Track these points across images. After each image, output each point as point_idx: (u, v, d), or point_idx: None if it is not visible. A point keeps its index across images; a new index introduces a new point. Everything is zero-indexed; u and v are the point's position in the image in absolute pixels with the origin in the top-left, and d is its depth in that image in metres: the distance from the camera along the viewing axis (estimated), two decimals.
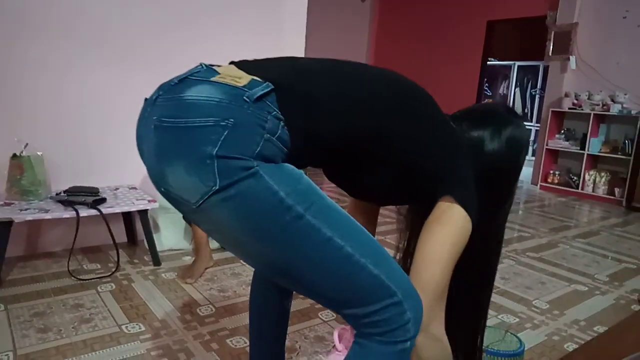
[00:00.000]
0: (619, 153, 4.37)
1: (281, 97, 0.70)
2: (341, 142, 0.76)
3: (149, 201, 2.01)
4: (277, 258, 0.68)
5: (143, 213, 2.00)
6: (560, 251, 2.71)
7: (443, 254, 0.78)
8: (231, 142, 0.63)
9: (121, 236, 2.29)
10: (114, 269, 1.96)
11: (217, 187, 0.62)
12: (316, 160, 0.83)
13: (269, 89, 0.68)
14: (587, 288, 2.14)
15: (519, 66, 7.19)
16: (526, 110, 7.12)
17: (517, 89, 7.22)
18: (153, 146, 0.69)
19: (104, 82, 2.17)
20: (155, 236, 2.12)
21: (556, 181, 4.84)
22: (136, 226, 2.28)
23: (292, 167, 0.70)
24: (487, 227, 0.91)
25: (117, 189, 2.19)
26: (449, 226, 0.79)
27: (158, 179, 0.70)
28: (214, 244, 2.18)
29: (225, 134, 0.63)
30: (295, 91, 0.72)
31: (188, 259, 2.13)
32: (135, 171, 2.31)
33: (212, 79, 0.70)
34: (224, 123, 0.64)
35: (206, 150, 0.62)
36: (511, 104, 7.05)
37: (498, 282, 2.08)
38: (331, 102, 0.74)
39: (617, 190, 4.36)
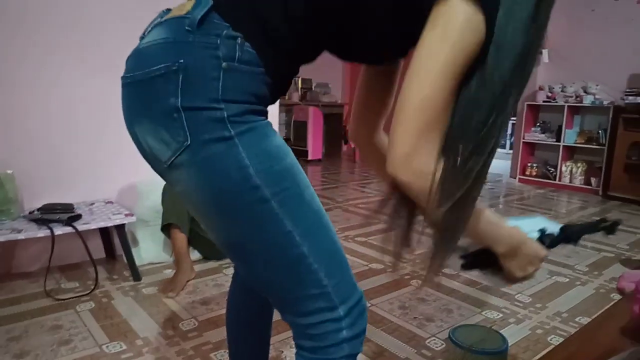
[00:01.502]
0: (594, 143, 4.46)
1: (225, 7, 0.60)
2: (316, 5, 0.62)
3: (126, 215, 1.97)
4: (231, 237, 0.63)
5: (120, 227, 1.96)
6: None
7: (434, 60, 0.56)
8: (190, 87, 0.57)
9: (99, 252, 2.24)
10: (92, 287, 1.92)
11: (189, 142, 0.58)
12: (307, 48, 0.67)
13: (209, 5, 0.59)
14: (568, 279, 2.18)
15: None
16: None
17: None
18: (124, 108, 0.64)
19: (74, 96, 2.12)
20: (134, 250, 2.09)
21: (534, 173, 4.92)
22: (114, 241, 2.23)
23: (280, 141, 0.63)
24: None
25: (92, 204, 2.14)
26: (443, 24, 0.56)
27: (134, 141, 0.65)
28: (195, 255, 2.15)
29: (180, 79, 0.57)
30: None
31: (169, 272, 2.10)
32: (112, 184, 2.27)
33: (164, 17, 0.63)
34: (175, 67, 0.57)
35: (169, 102, 0.57)
36: None
37: (480, 278, 2.10)
38: None
39: (593, 179, 4.46)
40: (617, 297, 1.99)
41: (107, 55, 2.16)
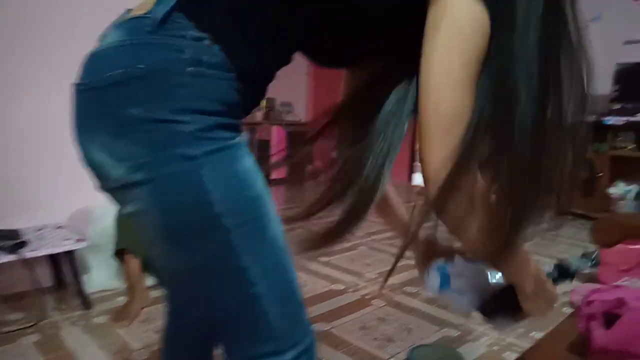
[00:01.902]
0: None
1: (190, 6, 0.53)
2: None
3: (77, 240, 1.89)
4: (181, 266, 0.57)
5: (70, 254, 1.88)
6: None
7: (448, 72, 0.52)
8: (151, 96, 0.50)
9: (48, 280, 2.13)
10: (39, 318, 1.81)
11: (147, 160, 0.51)
12: (283, 47, 0.61)
13: (172, 3, 0.52)
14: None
15: None
16: None
17: None
18: (73, 117, 0.57)
19: (19, 114, 2.04)
20: (85, 277, 2.00)
21: None
22: (64, 268, 2.13)
23: (251, 165, 0.57)
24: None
25: (41, 229, 2.04)
26: (447, 27, 0.52)
27: (82, 155, 0.58)
28: (149, 281, 2.08)
29: (141, 86, 0.50)
30: None
31: (122, 300, 2.01)
32: (62, 208, 2.17)
33: (124, 18, 0.57)
34: (134, 73, 0.50)
35: (127, 112, 0.51)
36: None
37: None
38: None
39: None
40: (569, 310, 2.05)
41: (57, 75, 2.10)
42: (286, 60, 0.63)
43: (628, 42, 3.84)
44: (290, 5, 0.57)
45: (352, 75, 0.81)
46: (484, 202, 0.57)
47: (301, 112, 6.65)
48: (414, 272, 2.68)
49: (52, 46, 2.08)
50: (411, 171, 5.81)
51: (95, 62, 0.55)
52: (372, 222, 3.59)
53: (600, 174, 3.55)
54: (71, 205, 2.19)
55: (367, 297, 2.11)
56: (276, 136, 5.71)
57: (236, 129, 0.58)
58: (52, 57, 2.08)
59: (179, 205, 0.53)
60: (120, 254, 1.97)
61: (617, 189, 3.54)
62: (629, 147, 3.57)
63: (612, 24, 3.77)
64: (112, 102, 0.52)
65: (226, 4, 0.55)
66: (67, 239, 1.90)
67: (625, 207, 3.52)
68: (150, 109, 0.51)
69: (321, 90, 6.72)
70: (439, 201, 0.55)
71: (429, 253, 0.87)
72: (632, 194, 3.54)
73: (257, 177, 0.58)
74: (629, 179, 3.57)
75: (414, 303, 2.05)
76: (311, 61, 0.68)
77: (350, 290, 2.19)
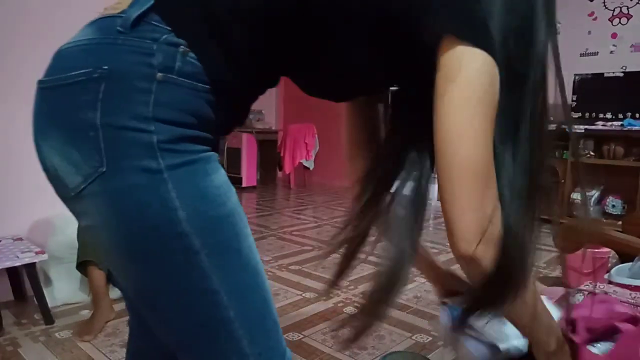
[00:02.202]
0: None
1: (168, 8, 0.50)
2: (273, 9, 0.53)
3: (37, 253, 1.81)
4: (143, 286, 0.53)
5: (30, 267, 1.80)
6: None
7: (470, 119, 0.49)
8: (113, 100, 0.47)
9: (6, 294, 2.04)
10: None
11: (104, 169, 0.47)
12: (268, 67, 0.58)
13: (148, 4, 0.49)
14: None
15: None
16: None
17: None
18: (33, 116, 0.53)
19: None
20: (46, 290, 1.91)
21: None
22: (24, 281, 2.04)
23: (222, 181, 0.53)
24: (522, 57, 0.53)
25: None
26: (464, 78, 0.49)
27: (39, 157, 0.54)
28: (115, 293, 2.01)
29: (102, 89, 0.47)
30: None
31: (86, 313, 1.94)
32: (22, 219, 2.08)
33: (98, 15, 0.53)
34: (96, 74, 0.47)
35: (86, 116, 0.47)
36: None
37: (410, 302, 2.14)
38: None
39: None
40: None
41: (14, 78, 2.02)
42: (270, 82, 0.60)
43: (584, 55, 4.03)
44: (267, 31, 0.54)
45: (354, 109, 0.78)
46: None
47: (271, 119, 6.63)
48: None
49: (22, 55, 2.01)
50: None
51: (59, 60, 0.52)
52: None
53: (563, 181, 3.68)
54: (31, 215, 2.10)
55: (339, 304, 2.11)
56: (247, 144, 5.67)
57: (206, 143, 0.54)
58: (22, 66, 2.01)
59: (140, 221, 0.49)
60: (84, 265, 1.90)
61: (579, 195, 3.67)
62: (589, 154, 3.71)
63: (570, 37, 3.94)
64: (69, 103, 0.49)
65: (203, 11, 0.51)
66: (27, 251, 1.82)
67: (589, 212, 3.65)
68: (109, 114, 0.47)
69: (291, 99, 6.73)
70: (478, 258, 0.52)
71: (448, 288, 0.83)
72: (592, 200, 3.67)
73: (229, 193, 0.54)
74: (589, 185, 3.70)
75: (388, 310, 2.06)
76: (299, 87, 0.65)
77: (323, 298, 2.17)
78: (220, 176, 0.54)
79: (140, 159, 0.48)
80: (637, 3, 3.86)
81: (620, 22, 3.92)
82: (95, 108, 0.47)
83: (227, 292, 0.53)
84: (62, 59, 0.52)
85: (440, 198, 0.52)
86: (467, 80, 0.49)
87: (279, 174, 6.29)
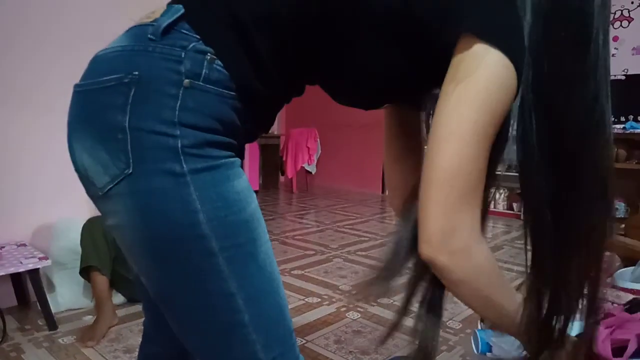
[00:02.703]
0: (514, 171, 4.77)
1: (197, 17, 0.52)
2: (298, 16, 0.54)
3: (40, 258, 1.82)
4: (163, 287, 0.55)
5: (33, 272, 1.80)
6: None
7: (461, 122, 0.47)
8: (142, 104, 0.49)
9: (10, 300, 2.04)
10: (0, 340, 1.73)
11: (131, 171, 0.49)
12: (291, 79, 0.59)
13: (179, 13, 0.51)
14: None
15: None
16: None
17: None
18: (68, 119, 0.56)
19: None
20: (49, 296, 1.91)
21: None
22: (27, 287, 2.04)
23: (243, 186, 0.54)
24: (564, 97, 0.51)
25: (2, 247, 1.95)
26: (469, 79, 0.47)
27: (71, 157, 0.56)
28: (117, 299, 2.02)
29: (132, 94, 0.49)
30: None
31: (89, 319, 1.94)
32: (25, 225, 2.09)
33: (135, 24, 0.55)
34: (127, 79, 0.49)
35: (116, 119, 0.49)
36: None
37: (413, 306, 2.13)
38: None
39: (515, 204, 4.74)
40: None
41: (13, 82, 2.03)
42: (296, 90, 0.62)
43: None
44: (293, 39, 0.55)
45: (393, 118, 0.76)
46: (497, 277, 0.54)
47: (274, 124, 6.66)
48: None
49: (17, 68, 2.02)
50: (384, 182, 5.87)
51: (95, 65, 0.55)
52: (346, 233, 3.60)
53: None
54: (34, 221, 2.11)
55: (342, 309, 2.10)
56: (249, 148, 5.68)
57: (231, 149, 0.56)
58: (21, 70, 2.02)
59: (163, 221, 0.51)
60: (86, 271, 1.90)
61: None
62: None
63: None
64: (100, 106, 0.51)
65: (231, 20, 0.53)
66: (30, 257, 1.83)
67: None
68: (138, 117, 0.49)
69: (293, 103, 6.72)
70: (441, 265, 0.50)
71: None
72: None
73: (249, 199, 0.55)
74: None
75: (389, 314, 2.06)
76: (330, 95, 0.65)
77: (326, 303, 2.17)
78: (242, 182, 0.55)
79: (164, 162, 0.50)
80: (638, 6, 3.87)
81: (621, 25, 3.92)
82: (125, 111, 0.49)
83: (242, 296, 0.54)
84: (97, 64, 0.55)
85: (419, 195, 0.52)
86: (474, 80, 0.47)
87: (281, 178, 6.30)
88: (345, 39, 0.56)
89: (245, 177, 0.56)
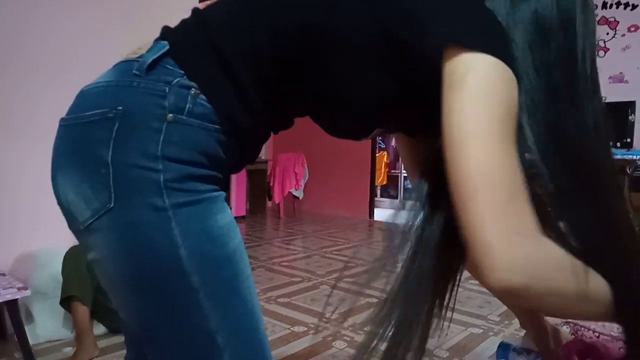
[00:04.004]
0: None
1: (182, 53, 0.53)
2: (281, 51, 0.54)
3: (19, 289, 1.77)
4: (143, 321, 0.55)
5: (11, 303, 1.76)
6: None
7: (477, 122, 0.44)
8: (125, 139, 0.50)
9: None
10: None
11: (112, 205, 0.49)
12: (278, 109, 0.59)
13: (164, 49, 0.53)
14: (481, 330, 2.26)
15: None
16: None
17: None
18: (52, 152, 0.56)
19: None
20: (29, 328, 1.86)
21: None
22: (5, 318, 1.99)
23: (227, 221, 0.54)
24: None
25: None
26: (468, 83, 0.45)
27: (54, 191, 0.56)
28: (99, 329, 1.97)
29: (116, 128, 0.50)
30: (193, 35, 0.54)
31: (69, 351, 1.88)
32: (5, 254, 2.04)
33: (121, 60, 0.57)
34: (112, 114, 0.50)
35: (100, 154, 0.50)
36: None
37: None
38: (235, 19, 0.55)
39: None
40: None
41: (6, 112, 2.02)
42: (284, 123, 0.62)
43: None
44: (277, 73, 0.55)
45: (403, 141, 0.75)
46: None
47: (262, 149, 6.68)
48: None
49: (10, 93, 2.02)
50: (371, 207, 5.88)
51: (80, 100, 0.56)
52: (333, 259, 3.58)
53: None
54: (14, 250, 2.07)
55: (328, 338, 2.08)
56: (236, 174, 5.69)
57: (215, 182, 0.56)
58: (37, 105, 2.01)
59: (143, 257, 0.51)
60: (68, 301, 1.86)
61: None
62: None
63: None
64: (84, 141, 0.52)
65: (215, 56, 0.54)
66: (9, 287, 1.78)
67: None
68: (121, 152, 0.50)
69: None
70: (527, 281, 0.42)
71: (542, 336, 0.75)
72: None
73: (233, 233, 0.55)
74: None
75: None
76: (322, 128, 0.64)
77: (312, 332, 2.14)
78: (226, 216, 0.55)
79: (147, 196, 0.50)
80: (613, 37, 4.02)
81: (598, 55, 4.06)
82: (108, 146, 0.50)
83: (223, 333, 0.53)
84: (83, 98, 0.55)
85: (459, 222, 0.44)
86: (475, 83, 0.45)
87: (269, 203, 6.28)
88: (329, 70, 0.56)
89: (229, 211, 0.56)
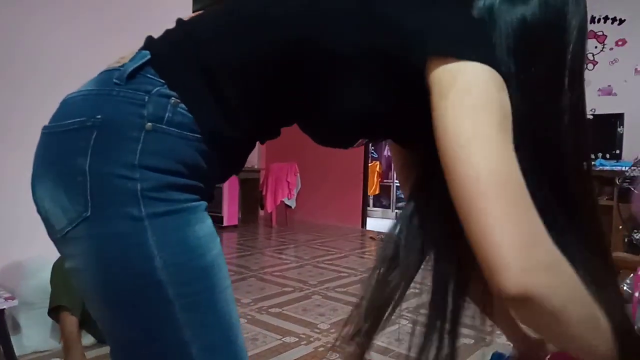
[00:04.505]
0: None
1: (162, 62, 0.53)
2: (264, 67, 0.55)
3: (6, 299, 1.75)
4: (117, 331, 0.54)
5: None
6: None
7: (476, 124, 0.44)
8: (103, 147, 0.49)
9: None
10: None
11: (88, 214, 0.49)
12: (265, 122, 0.59)
13: (145, 58, 0.52)
14: (473, 340, 2.25)
15: None
16: None
17: None
18: (33, 161, 0.56)
19: None
20: (14, 338, 1.83)
21: None
22: None
23: (206, 232, 0.53)
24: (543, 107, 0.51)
25: None
26: (457, 90, 0.45)
27: (33, 198, 0.56)
28: (87, 340, 1.94)
29: (93, 137, 0.49)
30: (176, 45, 0.55)
31: None
32: None
33: (105, 69, 0.56)
34: (90, 122, 0.50)
35: (77, 162, 0.49)
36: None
37: (392, 345, 2.11)
38: (220, 31, 0.55)
39: None
40: None
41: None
42: (270, 133, 0.61)
43: None
44: (261, 84, 0.55)
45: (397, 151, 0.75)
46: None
47: (253, 158, 6.67)
48: None
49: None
50: (364, 216, 5.88)
51: (62, 108, 0.56)
52: (325, 269, 3.57)
53: None
54: (1, 259, 2.04)
55: (320, 349, 2.06)
56: (228, 183, 5.67)
57: (195, 192, 0.55)
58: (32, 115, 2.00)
59: (119, 267, 0.50)
60: (56, 311, 1.83)
61: None
62: None
63: None
64: (63, 149, 0.52)
65: (198, 66, 0.54)
66: None
67: None
68: (98, 161, 0.50)
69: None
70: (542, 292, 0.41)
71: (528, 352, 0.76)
72: None
73: (212, 244, 0.54)
74: None
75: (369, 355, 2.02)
76: (310, 137, 0.65)
77: (303, 342, 2.13)
78: (205, 227, 0.54)
79: (123, 205, 0.49)
80: (601, 50, 4.09)
81: (587, 68, 4.12)
82: (86, 154, 0.50)
83: (197, 346, 0.52)
84: (64, 107, 0.56)
85: (466, 229, 0.43)
86: (464, 88, 0.45)
87: (261, 212, 6.26)
88: (314, 85, 0.56)
89: (209, 222, 0.56)
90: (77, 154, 0.50)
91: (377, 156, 7.32)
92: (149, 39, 0.58)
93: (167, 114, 0.51)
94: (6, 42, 2.02)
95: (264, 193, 5.90)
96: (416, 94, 0.49)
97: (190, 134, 0.52)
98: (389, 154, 7.68)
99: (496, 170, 0.42)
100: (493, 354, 0.88)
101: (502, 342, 2.27)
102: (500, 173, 0.43)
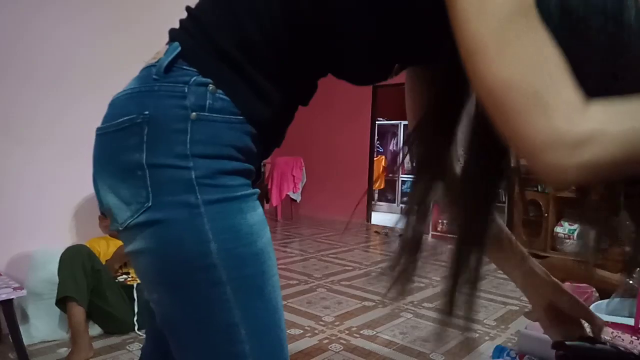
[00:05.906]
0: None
1: (191, 52, 0.55)
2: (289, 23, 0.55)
3: (15, 289, 1.77)
4: (170, 312, 0.57)
5: (7, 303, 1.75)
6: None
7: (499, 17, 0.40)
8: (155, 141, 0.52)
9: None
10: None
11: (150, 204, 0.52)
12: (293, 90, 0.60)
13: (176, 50, 0.54)
14: (477, 334, 2.26)
15: (404, 125, 7.83)
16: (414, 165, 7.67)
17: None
18: (93, 161, 0.60)
19: None
20: (24, 328, 1.86)
21: (445, 230, 5.19)
22: (0, 319, 1.98)
23: (257, 219, 0.56)
24: None
25: None
26: None
27: (97, 196, 0.60)
28: (94, 330, 1.96)
29: (145, 133, 0.52)
30: (191, 33, 0.56)
31: (64, 351, 1.88)
32: (1, 254, 2.04)
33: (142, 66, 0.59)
34: (139, 119, 0.52)
35: (134, 158, 0.53)
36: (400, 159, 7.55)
37: (396, 338, 2.12)
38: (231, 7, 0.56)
39: None
40: None
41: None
42: (308, 91, 0.63)
43: None
44: (296, 36, 0.55)
45: (411, 82, 0.74)
46: None
47: None
48: (372, 315, 2.66)
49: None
50: (369, 211, 5.89)
51: (111, 109, 0.58)
52: (330, 262, 3.58)
53: (546, 215, 3.73)
54: (10, 250, 2.06)
55: (324, 341, 2.08)
56: None
57: (246, 175, 0.58)
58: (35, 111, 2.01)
59: (176, 251, 0.53)
60: (63, 301, 1.85)
61: (563, 229, 3.72)
62: (572, 188, 3.78)
63: None
64: (117, 147, 0.55)
65: (216, 52, 0.55)
66: (4, 287, 1.77)
67: (572, 246, 3.68)
68: (152, 155, 0.52)
69: None
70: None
71: (555, 318, 0.74)
72: (575, 234, 3.72)
73: (262, 232, 0.57)
74: (573, 218, 3.76)
75: (372, 346, 2.04)
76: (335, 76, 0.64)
77: (308, 335, 2.14)
78: (256, 215, 0.57)
79: (180, 194, 0.52)
80: None
81: None
82: (141, 150, 0.53)
83: (246, 327, 0.55)
84: (112, 107, 0.58)
85: (488, 106, 0.41)
86: None
87: (266, 206, 6.28)
88: (335, 44, 0.57)
89: (260, 210, 0.58)
90: (133, 149, 0.53)
91: (382, 150, 7.31)
92: (172, 30, 0.59)
93: (207, 102, 0.53)
94: (9, 39, 2.03)
95: (269, 187, 5.91)
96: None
97: (233, 117, 0.54)
98: (394, 147, 7.67)
99: (534, 54, 0.40)
100: (495, 348, 0.89)
101: (506, 337, 2.27)
102: (538, 56, 0.40)
